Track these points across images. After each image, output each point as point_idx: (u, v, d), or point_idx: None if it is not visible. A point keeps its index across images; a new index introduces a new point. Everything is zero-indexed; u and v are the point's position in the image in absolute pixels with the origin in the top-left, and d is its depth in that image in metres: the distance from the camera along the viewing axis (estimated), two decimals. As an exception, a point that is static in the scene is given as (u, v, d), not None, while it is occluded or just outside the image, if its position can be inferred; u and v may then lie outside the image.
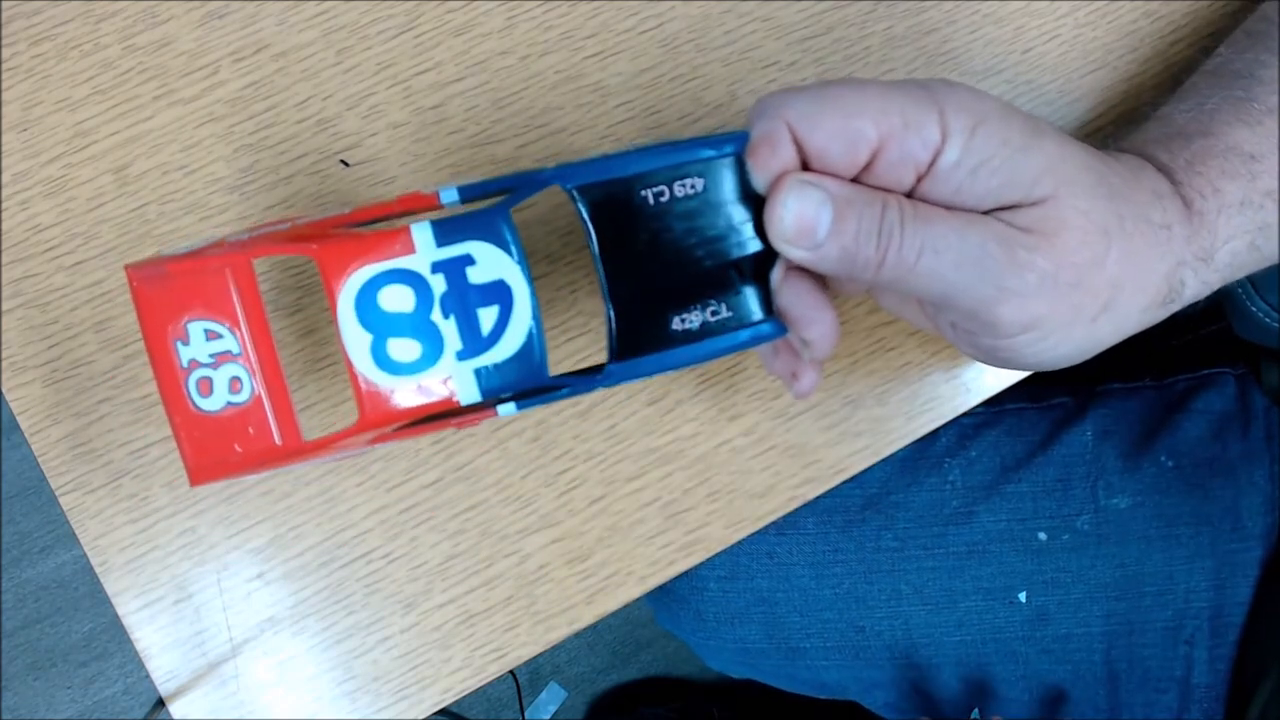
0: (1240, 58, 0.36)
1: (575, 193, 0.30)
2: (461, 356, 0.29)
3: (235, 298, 0.29)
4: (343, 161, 0.39)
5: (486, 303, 0.29)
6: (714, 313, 0.31)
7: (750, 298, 0.31)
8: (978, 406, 0.42)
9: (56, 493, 0.38)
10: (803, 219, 0.29)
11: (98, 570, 0.38)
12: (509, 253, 0.29)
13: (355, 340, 0.29)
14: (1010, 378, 0.41)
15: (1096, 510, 0.54)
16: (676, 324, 0.31)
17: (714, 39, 0.41)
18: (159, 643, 0.38)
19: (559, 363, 0.40)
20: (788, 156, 0.29)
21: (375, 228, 0.30)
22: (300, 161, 0.39)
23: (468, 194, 0.30)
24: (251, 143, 0.39)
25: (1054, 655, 0.55)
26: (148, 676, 0.41)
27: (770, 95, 0.30)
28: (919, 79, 0.30)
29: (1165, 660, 0.53)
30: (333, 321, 0.29)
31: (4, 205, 0.38)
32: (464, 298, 0.29)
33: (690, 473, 0.40)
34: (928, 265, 0.29)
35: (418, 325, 0.29)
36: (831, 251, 0.29)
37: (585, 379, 0.31)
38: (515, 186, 0.30)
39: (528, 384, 0.30)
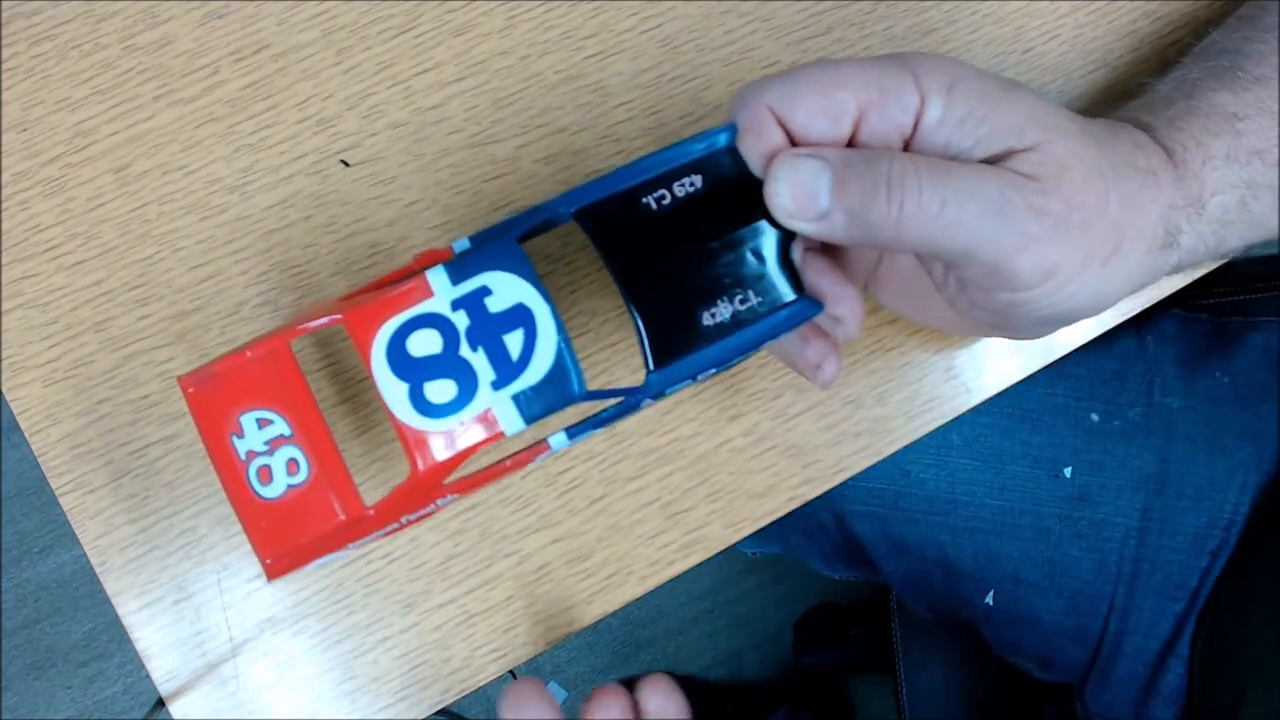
0: (1228, 37, 0.37)
1: (576, 218, 0.30)
2: (497, 386, 0.29)
3: (280, 382, 0.30)
4: (343, 161, 0.39)
5: (510, 328, 0.30)
6: (742, 301, 0.31)
7: (778, 281, 0.31)
8: None
9: (56, 493, 0.38)
10: (799, 189, 0.29)
11: (98, 570, 0.38)
12: (522, 275, 0.30)
13: (393, 391, 0.29)
14: (1011, 377, 0.41)
15: (1150, 405, 0.54)
16: (707, 319, 0.31)
17: (714, 39, 0.41)
18: (159, 643, 0.38)
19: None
20: (776, 139, 0.30)
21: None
22: (300, 161, 0.39)
23: (478, 240, 0.31)
24: (251, 143, 0.39)
25: (1085, 541, 0.55)
26: (148, 676, 0.41)
27: (747, 85, 0.30)
28: (892, 52, 0.30)
29: (1186, 569, 0.53)
30: (369, 379, 0.29)
31: (4, 205, 0.38)
32: (488, 327, 0.29)
33: (690, 473, 0.40)
34: (952, 215, 0.29)
35: (449, 364, 0.29)
36: (839, 217, 0.29)
37: (629, 395, 0.31)
38: (520, 225, 0.30)
39: (566, 402, 0.30)
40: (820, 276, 0.32)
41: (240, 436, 0.30)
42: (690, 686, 1.15)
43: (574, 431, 0.31)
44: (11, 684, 1.10)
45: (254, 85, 0.39)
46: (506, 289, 0.30)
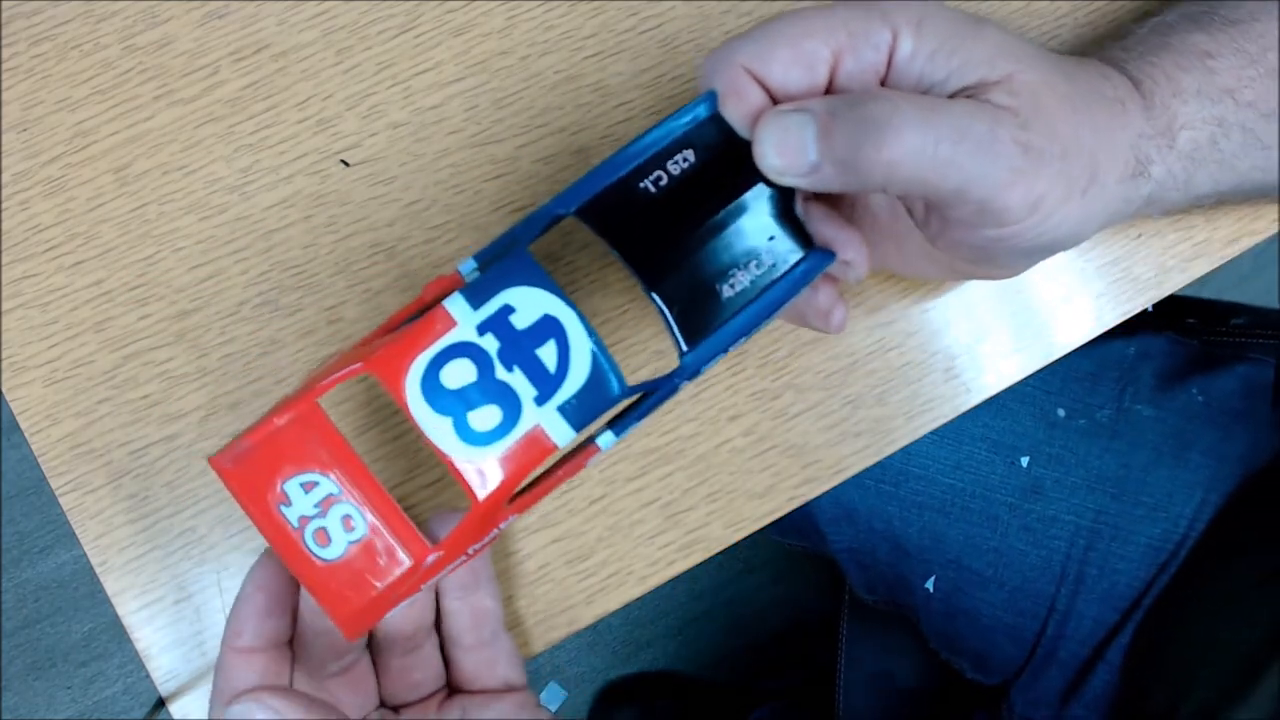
0: None
1: (579, 216, 0.30)
2: (540, 401, 0.29)
3: (315, 441, 0.29)
4: (343, 161, 0.39)
5: (542, 341, 0.29)
6: (758, 265, 0.31)
7: (786, 240, 0.31)
8: None
9: (56, 493, 0.38)
10: (785, 145, 0.29)
11: (98, 570, 0.38)
12: (542, 286, 0.29)
13: (437, 428, 0.29)
14: (1010, 377, 0.41)
15: (1120, 410, 0.53)
16: (728, 291, 0.31)
17: (714, 39, 0.41)
18: (159, 643, 0.38)
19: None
20: (756, 98, 0.30)
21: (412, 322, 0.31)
22: (300, 161, 0.39)
23: (482, 258, 0.31)
24: (251, 143, 0.39)
25: (1033, 535, 0.54)
26: (148, 676, 0.41)
27: (714, 51, 0.30)
28: None
29: (1134, 579, 0.53)
30: (409, 421, 0.29)
31: (4, 205, 0.38)
32: (519, 345, 0.29)
33: (690, 473, 0.40)
34: (946, 155, 0.28)
35: (488, 389, 0.29)
36: (828, 168, 0.29)
37: (666, 382, 0.31)
38: (524, 235, 0.30)
39: (610, 403, 0.29)
40: (823, 224, 0.32)
41: (288, 504, 0.29)
42: (690, 686, 1.15)
43: (619, 428, 0.31)
44: (11, 684, 1.10)
45: (254, 85, 0.39)
46: (529, 303, 0.29)
